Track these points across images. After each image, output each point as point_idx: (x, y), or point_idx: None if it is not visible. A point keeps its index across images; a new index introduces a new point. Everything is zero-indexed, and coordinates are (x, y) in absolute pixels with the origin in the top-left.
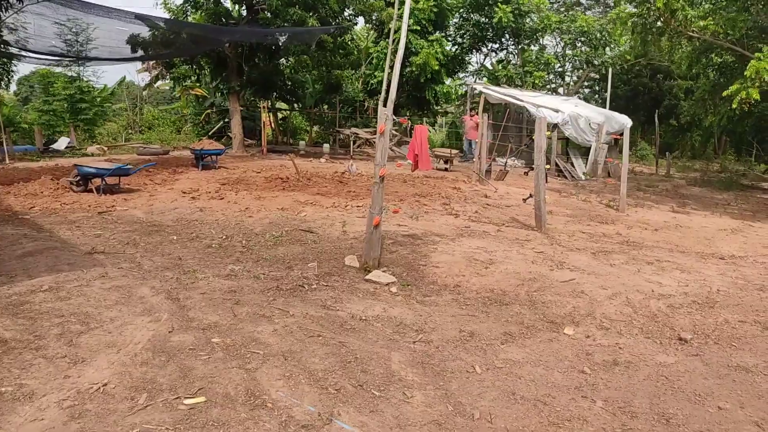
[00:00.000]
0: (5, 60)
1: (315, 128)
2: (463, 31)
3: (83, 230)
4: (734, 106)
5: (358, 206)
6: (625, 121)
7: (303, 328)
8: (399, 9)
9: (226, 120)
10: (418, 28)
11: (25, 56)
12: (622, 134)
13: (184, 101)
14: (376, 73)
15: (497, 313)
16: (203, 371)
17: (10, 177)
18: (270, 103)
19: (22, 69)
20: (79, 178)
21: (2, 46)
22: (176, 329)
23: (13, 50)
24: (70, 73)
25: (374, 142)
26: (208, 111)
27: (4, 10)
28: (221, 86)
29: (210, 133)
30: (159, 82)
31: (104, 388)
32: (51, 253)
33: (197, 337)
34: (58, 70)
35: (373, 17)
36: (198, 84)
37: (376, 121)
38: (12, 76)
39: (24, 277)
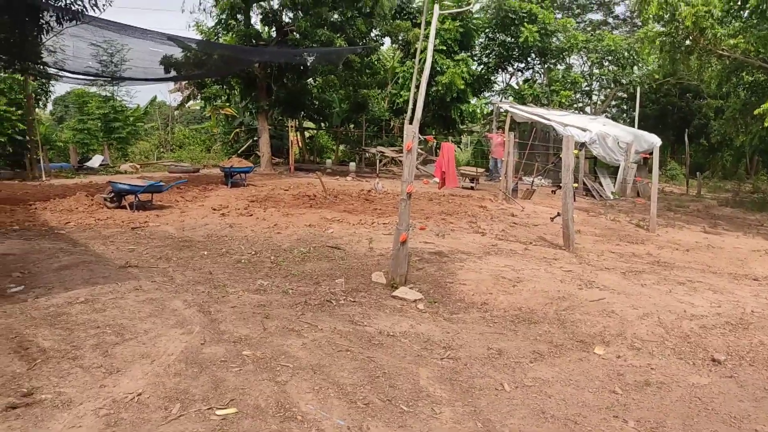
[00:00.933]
0: (43, 80)
1: (341, 147)
2: (488, 51)
3: (117, 245)
4: (766, 125)
5: (384, 223)
6: (654, 141)
7: (331, 342)
8: (425, 29)
9: (255, 139)
10: (444, 48)
11: (62, 76)
12: (651, 153)
13: (215, 121)
14: (402, 93)
15: (526, 332)
16: (234, 383)
17: (47, 193)
18: (297, 123)
19: (58, 89)
20: (113, 194)
21: (42, 66)
22: (208, 341)
23: (51, 71)
24: (104, 93)
25: (400, 161)
26: (237, 130)
27: (45, 33)
28: (250, 106)
29: (239, 152)
30: (190, 102)
31: (139, 398)
32: (86, 267)
33: (228, 350)
34: (92, 90)
35: (400, 38)
36: (228, 104)
37: (402, 140)
38: (49, 96)
39: (61, 290)
